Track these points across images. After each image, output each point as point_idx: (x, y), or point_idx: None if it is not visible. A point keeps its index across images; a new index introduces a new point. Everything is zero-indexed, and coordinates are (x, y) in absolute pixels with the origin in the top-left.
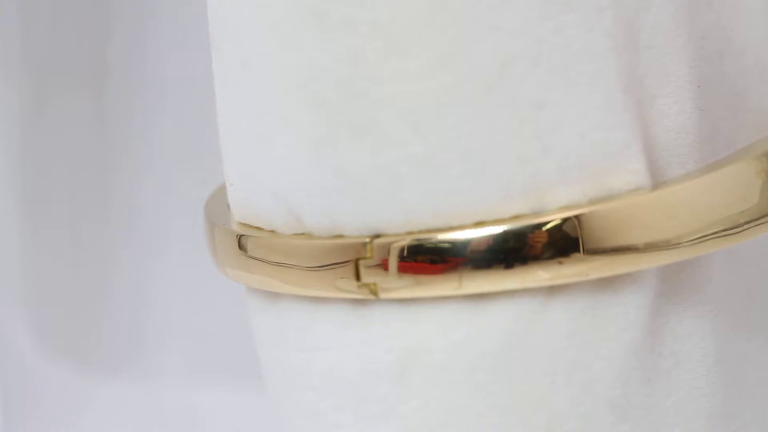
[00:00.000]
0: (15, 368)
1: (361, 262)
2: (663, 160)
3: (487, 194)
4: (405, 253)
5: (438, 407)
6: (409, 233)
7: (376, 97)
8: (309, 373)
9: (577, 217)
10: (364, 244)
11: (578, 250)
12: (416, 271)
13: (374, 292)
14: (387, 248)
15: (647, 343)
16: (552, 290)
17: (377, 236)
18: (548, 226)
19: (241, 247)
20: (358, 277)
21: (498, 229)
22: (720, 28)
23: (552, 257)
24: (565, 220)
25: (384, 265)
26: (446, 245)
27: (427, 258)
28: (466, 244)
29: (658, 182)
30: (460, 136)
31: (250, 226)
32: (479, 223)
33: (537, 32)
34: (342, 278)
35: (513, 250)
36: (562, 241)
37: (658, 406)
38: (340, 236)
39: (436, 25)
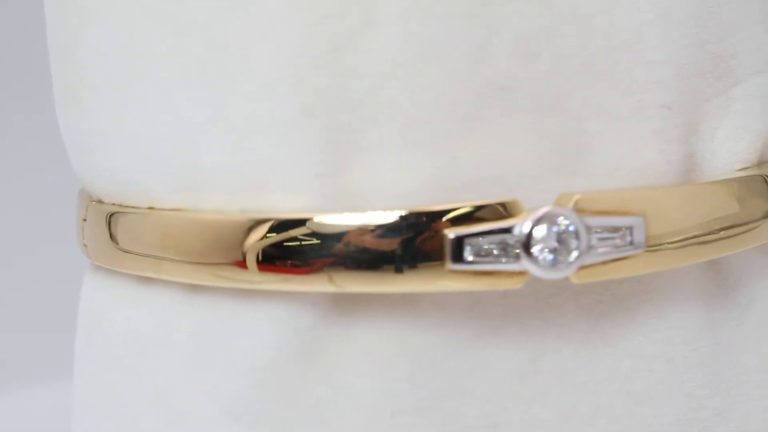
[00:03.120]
0: None
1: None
2: (353, 191)
3: (151, 181)
4: (109, 222)
5: (103, 378)
6: (116, 204)
7: (79, 71)
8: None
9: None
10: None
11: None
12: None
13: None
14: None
15: (298, 368)
16: (195, 288)
17: (98, 201)
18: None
19: None
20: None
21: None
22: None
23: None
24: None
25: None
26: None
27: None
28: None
29: (340, 208)
30: (131, 120)
31: None
32: (151, 208)
33: (210, 34)
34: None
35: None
36: None
37: (302, 427)
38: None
39: (118, 11)
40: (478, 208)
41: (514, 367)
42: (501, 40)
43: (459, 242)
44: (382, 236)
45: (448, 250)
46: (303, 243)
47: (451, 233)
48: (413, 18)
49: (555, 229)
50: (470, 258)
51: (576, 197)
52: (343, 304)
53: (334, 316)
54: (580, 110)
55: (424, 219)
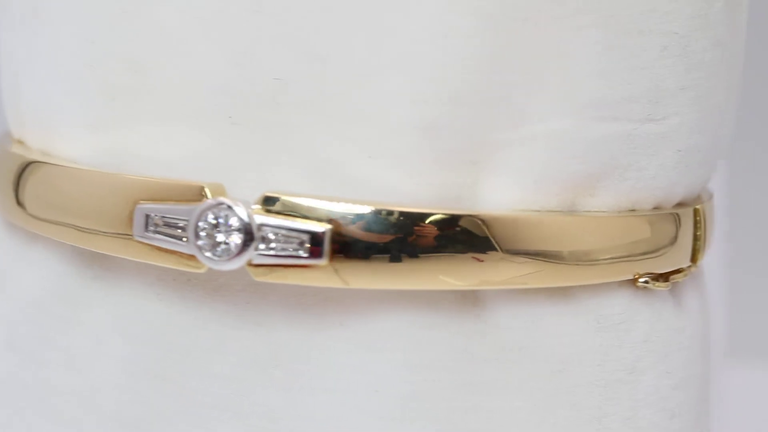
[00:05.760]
0: None
1: None
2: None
3: (6, 113)
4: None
5: None
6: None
7: None
8: None
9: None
10: None
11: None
12: None
13: None
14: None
15: (61, 311)
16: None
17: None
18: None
19: None
20: None
21: None
22: None
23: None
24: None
25: None
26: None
27: None
28: None
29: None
30: None
31: None
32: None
33: None
34: None
35: None
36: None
37: (58, 370)
38: None
39: None
40: (174, 186)
41: (254, 357)
42: (282, 30)
43: (144, 215)
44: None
45: (134, 220)
46: None
47: (140, 205)
48: None
49: (221, 220)
50: (151, 233)
51: (267, 195)
52: (107, 261)
53: (97, 270)
54: (342, 116)
55: (116, 188)
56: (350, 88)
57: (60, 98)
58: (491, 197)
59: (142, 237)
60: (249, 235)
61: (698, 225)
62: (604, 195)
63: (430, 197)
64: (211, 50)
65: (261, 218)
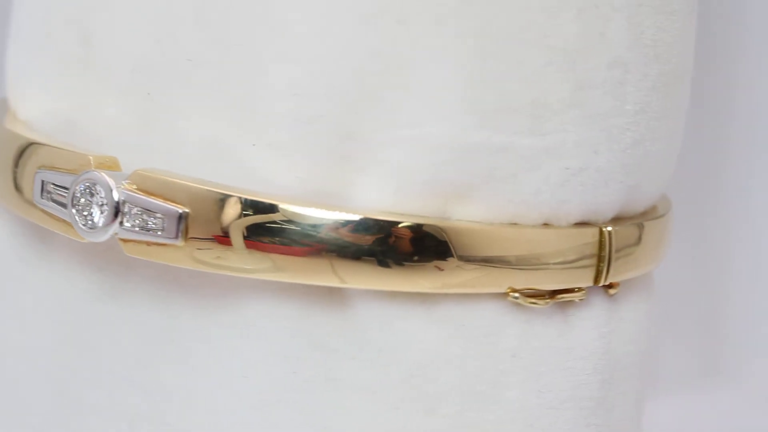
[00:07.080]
0: None
1: None
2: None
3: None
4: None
5: None
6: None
7: None
8: None
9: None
10: None
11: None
12: None
13: None
14: None
15: (16, 272)
16: None
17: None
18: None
19: None
20: None
21: None
22: None
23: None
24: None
25: None
26: None
27: None
28: None
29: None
30: None
31: None
32: None
33: None
34: None
35: None
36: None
37: (7, 325)
38: None
39: None
40: (66, 155)
41: (155, 332)
42: (198, 14)
43: (40, 181)
44: None
45: (34, 186)
46: None
47: (38, 171)
48: None
49: (93, 192)
50: (45, 199)
51: (138, 172)
52: (53, 236)
53: (45, 232)
54: (236, 103)
55: (29, 154)
56: (245, 76)
57: (25, 63)
58: (363, 197)
59: (38, 202)
60: (114, 209)
61: (602, 246)
62: (477, 204)
63: (306, 191)
64: (143, 28)
65: (126, 194)
